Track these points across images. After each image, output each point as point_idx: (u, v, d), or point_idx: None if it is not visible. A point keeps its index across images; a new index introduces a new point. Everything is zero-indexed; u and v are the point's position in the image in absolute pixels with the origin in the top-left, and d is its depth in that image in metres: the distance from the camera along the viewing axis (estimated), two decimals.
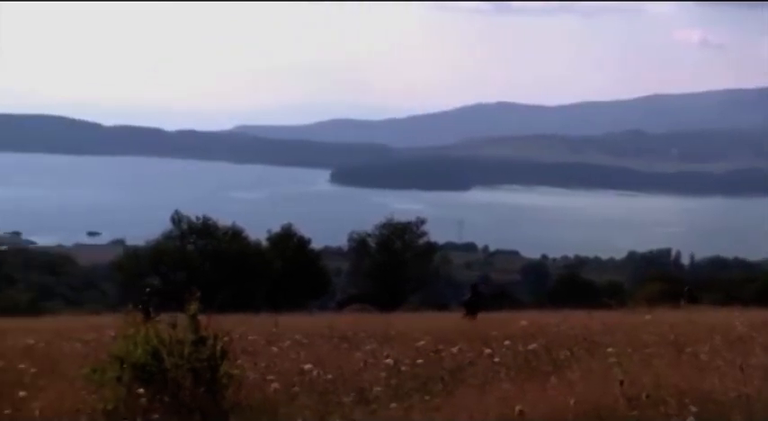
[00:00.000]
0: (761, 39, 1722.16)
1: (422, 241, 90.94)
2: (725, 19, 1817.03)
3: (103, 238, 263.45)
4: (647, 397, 11.77)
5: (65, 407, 12.55)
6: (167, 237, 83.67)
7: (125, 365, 12.51)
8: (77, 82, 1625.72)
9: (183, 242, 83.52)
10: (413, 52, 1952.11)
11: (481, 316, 31.62)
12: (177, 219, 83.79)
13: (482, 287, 37.27)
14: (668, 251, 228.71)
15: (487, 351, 16.41)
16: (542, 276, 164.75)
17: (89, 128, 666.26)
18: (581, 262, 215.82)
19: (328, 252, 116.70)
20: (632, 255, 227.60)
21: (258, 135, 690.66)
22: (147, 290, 38.16)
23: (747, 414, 11.53)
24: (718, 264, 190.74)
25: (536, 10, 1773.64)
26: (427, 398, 12.99)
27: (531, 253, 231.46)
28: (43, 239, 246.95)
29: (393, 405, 12.55)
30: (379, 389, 13.45)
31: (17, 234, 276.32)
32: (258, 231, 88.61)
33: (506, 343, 17.50)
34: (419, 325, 26.33)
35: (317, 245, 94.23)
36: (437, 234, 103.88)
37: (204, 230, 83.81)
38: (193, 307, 12.80)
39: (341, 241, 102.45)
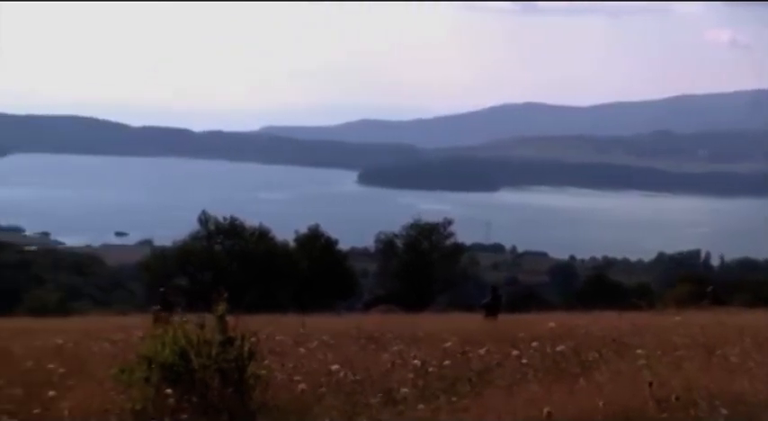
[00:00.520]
0: None
1: (449, 242, 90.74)
2: (754, 19, 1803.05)
3: (131, 239, 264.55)
4: (677, 399, 11.70)
5: (93, 406, 12.60)
6: (194, 237, 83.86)
7: (153, 365, 12.54)
8: (106, 83, 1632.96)
9: (211, 242, 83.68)
10: (440, 53, 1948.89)
11: (509, 317, 31.59)
12: (204, 219, 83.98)
13: (501, 289, 37.47)
14: (697, 252, 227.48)
15: (515, 352, 16.35)
16: (570, 277, 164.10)
17: (117, 129, 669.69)
18: (609, 263, 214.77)
19: (355, 253, 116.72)
20: (661, 257, 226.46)
21: (286, 136, 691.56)
22: (162, 290, 38.01)
23: None
24: (747, 265, 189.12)
25: (563, 10, 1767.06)
26: (455, 399, 12.96)
27: (560, 254, 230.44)
28: (71, 240, 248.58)
29: (420, 406, 12.53)
30: (406, 390, 13.42)
31: (46, 234, 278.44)
32: (285, 232, 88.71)
33: (534, 344, 17.42)
34: (446, 326, 26.26)
35: (344, 245, 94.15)
36: (464, 235, 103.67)
37: (231, 231, 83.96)
38: (221, 307, 12.82)
39: (368, 242, 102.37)
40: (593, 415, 11.58)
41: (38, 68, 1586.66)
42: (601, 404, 11.68)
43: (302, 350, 17.97)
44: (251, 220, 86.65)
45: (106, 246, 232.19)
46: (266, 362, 14.14)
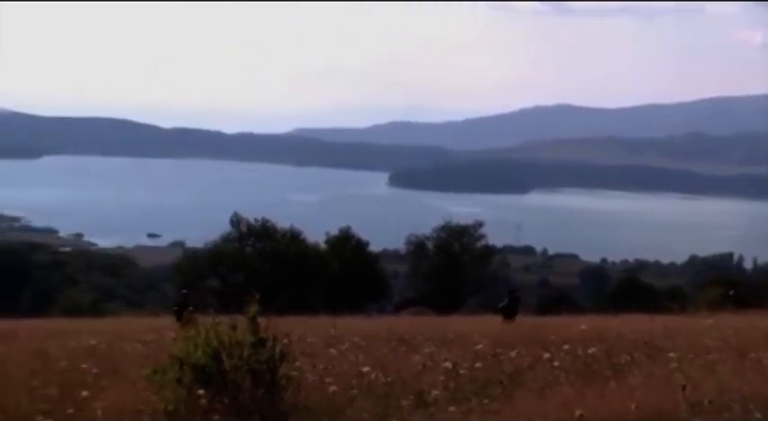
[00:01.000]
0: None
1: (480, 244, 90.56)
2: None
3: (163, 240, 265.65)
4: (710, 402, 11.62)
5: (126, 407, 12.68)
6: (226, 239, 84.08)
7: (185, 366, 12.59)
8: (138, 85, 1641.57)
9: (242, 244, 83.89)
10: (472, 54, 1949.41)
11: (540, 320, 31.52)
12: (236, 221, 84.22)
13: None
14: (730, 255, 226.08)
15: (546, 355, 16.29)
16: (601, 280, 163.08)
17: (150, 131, 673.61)
18: (641, 265, 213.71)
19: (386, 254, 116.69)
20: (693, 259, 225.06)
21: (316, 138, 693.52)
22: (184, 292, 37.82)
23: None
24: None
25: (595, 11, 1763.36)
26: (486, 401, 12.94)
27: (591, 256, 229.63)
28: (105, 241, 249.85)
29: (451, 408, 12.53)
30: (437, 392, 13.42)
31: (79, 236, 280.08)
32: (316, 234, 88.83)
33: (565, 347, 17.35)
34: (477, 328, 26.20)
35: (374, 247, 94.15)
36: (495, 237, 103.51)
37: (263, 232, 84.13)
38: (253, 309, 12.86)
39: (399, 244, 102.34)
40: (626, 418, 11.52)
41: (72, 71, 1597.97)
42: (633, 407, 11.63)
43: (333, 351, 17.97)
44: (282, 222, 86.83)
45: (139, 248, 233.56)
46: (298, 363, 14.17)
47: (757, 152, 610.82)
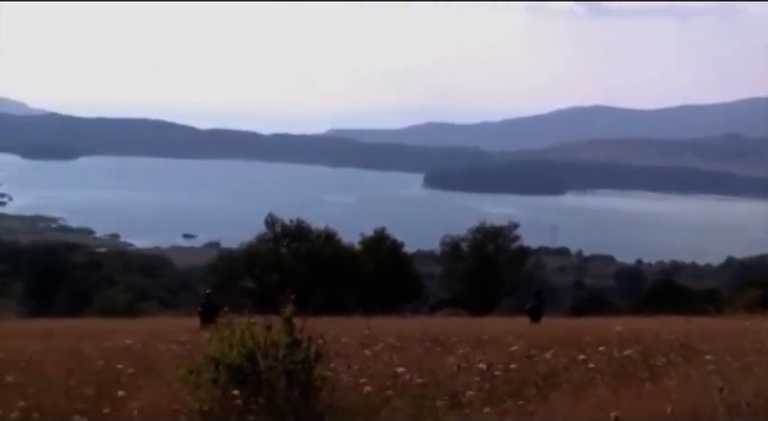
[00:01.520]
0: None
1: (515, 245, 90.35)
2: None
3: (199, 241, 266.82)
4: (748, 405, 11.54)
5: (162, 407, 12.72)
6: (261, 239, 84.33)
7: (220, 367, 12.62)
8: (175, 86, 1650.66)
9: (277, 245, 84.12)
10: (508, 55, 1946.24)
11: (575, 321, 31.51)
12: (271, 221, 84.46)
13: (544, 293, 37.88)
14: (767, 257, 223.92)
15: (582, 356, 16.21)
16: (637, 281, 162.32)
17: (185, 131, 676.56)
18: (677, 267, 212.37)
19: (421, 255, 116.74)
20: (730, 261, 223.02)
21: (352, 138, 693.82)
22: (207, 292, 37.78)
23: None
24: None
25: (631, 12, 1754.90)
26: (521, 402, 12.89)
27: (626, 258, 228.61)
28: (140, 241, 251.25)
29: (486, 409, 12.49)
30: (472, 393, 13.37)
31: (116, 236, 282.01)
32: (351, 234, 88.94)
33: (601, 348, 17.27)
34: (512, 329, 26.16)
35: (409, 248, 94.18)
36: (530, 238, 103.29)
37: (298, 233, 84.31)
38: (288, 309, 12.88)
39: (433, 245, 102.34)
40: (662, 420, 11.46)
41: (107, 72, 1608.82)
42: (669, 409, 11.56)
43: (368, 352, 17.95)
44: (317, 223, 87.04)
45: (174, 248, 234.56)
46: (332, 364, 14.20)
47: None
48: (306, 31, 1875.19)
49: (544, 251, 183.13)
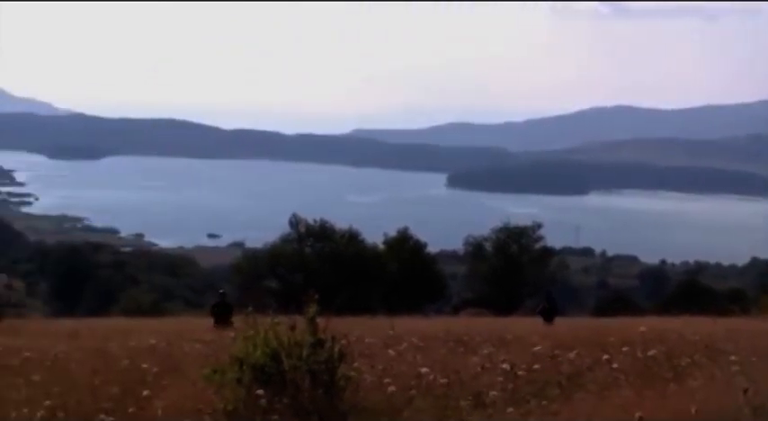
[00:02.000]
0: None
1: (538, 246, 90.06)
2: None
3: (223, 241, 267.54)
4: None
5: (186, 406, 12.77)
6: (285, 239, 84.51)
7: (244, 367, 12.65)
8: (199, 87, 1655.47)
9: (301, 245, 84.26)
10: (531, 56, 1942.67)
11: (599, 321, 31.43)
12: (295, 221, 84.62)
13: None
14: None
15: (606, 357, 16.16)
16: (661, 282, 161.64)
17: (210, 132, 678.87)
18: (701, 267, 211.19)
19: (444, 255, 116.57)
20: (755, 261, 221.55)
21: (375, 139, 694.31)
22: (221, 291, 37.85)
23: None
24: None
25: (655, 12, 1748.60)
26: (545, 403, 12.88)
27: (650, 258, 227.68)
28: (165, 241, 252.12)
29: (510, 409, 12.49)
30: (495, 393, 13.35)
31: (140, 236, 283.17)
32: (375, 234, 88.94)
33: (625, 349, 17.22)
34: (535, 329, 26.14)
35: (432, 248, 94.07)
36: (554, 239, 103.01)
37: (321, 233, 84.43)
38: (312, 309, 12.90)
39: (457, 245, 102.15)
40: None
41: (134, 73, 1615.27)
42: (693, 410, 11.52)
43: (391, 352, 17.94)
44: (341, 223, 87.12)
45: (199, 248, 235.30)
46: (356, 364, 14.20)
47: None
48: (331, 31, 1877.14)
49: (568, 251, 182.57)
